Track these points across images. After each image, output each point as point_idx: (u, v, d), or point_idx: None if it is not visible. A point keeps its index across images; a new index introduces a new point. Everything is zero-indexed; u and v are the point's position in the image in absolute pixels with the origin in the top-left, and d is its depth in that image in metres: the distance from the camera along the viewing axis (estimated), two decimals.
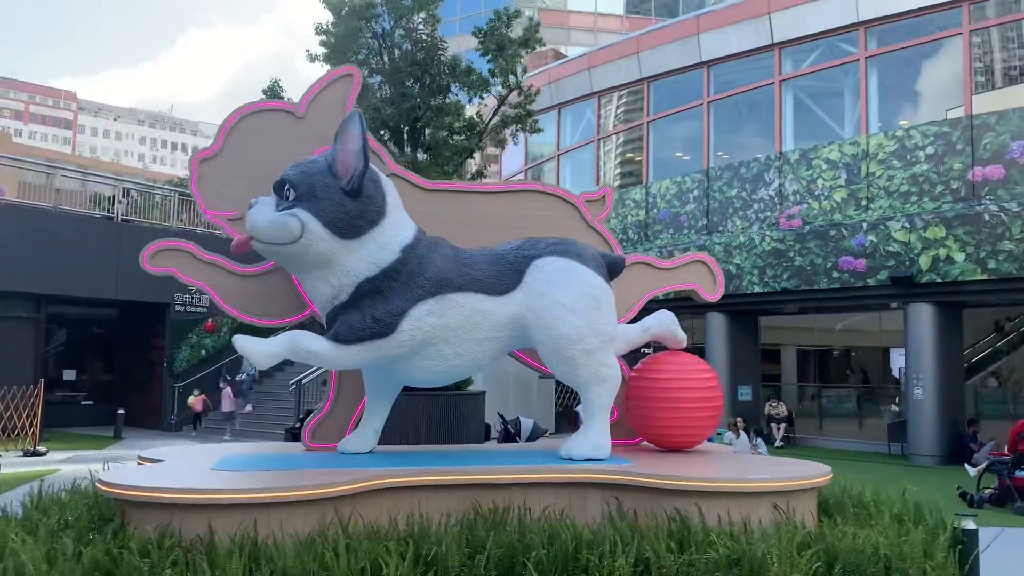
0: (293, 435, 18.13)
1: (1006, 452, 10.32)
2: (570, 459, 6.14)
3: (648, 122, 21.29)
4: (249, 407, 20.20)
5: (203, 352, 21.73)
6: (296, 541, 4.61)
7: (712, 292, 7.74)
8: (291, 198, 5.78)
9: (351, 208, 5.80)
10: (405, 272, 5.84)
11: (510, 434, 11.40)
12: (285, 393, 19.82)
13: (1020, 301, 16.16)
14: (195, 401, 20.35)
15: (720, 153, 19.91)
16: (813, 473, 5.75)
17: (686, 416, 6.74)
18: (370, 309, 5.76)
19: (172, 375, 21.16)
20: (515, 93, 10.49)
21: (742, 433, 14.26)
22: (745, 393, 19.31)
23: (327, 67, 11.77)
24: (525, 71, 11.46)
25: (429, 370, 6.08)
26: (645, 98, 21.37)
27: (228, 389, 19.70)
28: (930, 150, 15.69)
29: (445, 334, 5.92)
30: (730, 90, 19.52)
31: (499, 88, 10.40)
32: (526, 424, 11.35)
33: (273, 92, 11.41)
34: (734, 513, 5.35)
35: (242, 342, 5.62)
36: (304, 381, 18.94)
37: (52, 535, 4.68)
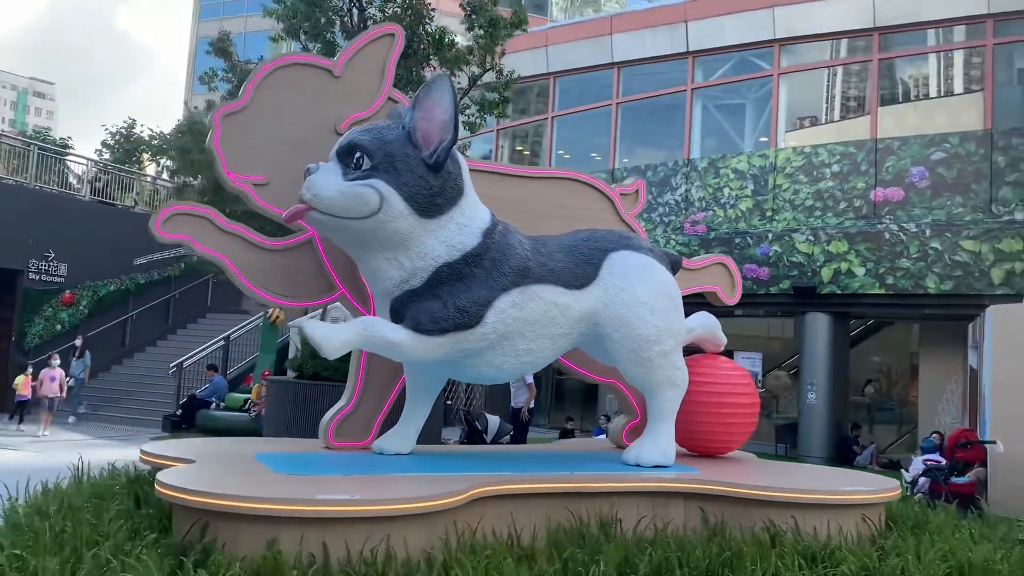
0: (173, 423, 16.65)
1: (943, 459, 10.96)
2: (637, 465, 5.84)
3: (553, 117, 21.21)
4: (83, 408, 17.91)
5: (59, 327, 19.53)
6: (425, 556, 4.04)
7: (731, 296, 7.65)
8: (364, 167, 5.10)
9: (433, 184, 5.20)
10: (487, 258, 5.30)
11: (476, 431, 10.90)
12: (164, 377, 18.13)
13: (912, 316, 17.38)
14: (23, 383, 16.23)
15: (625, 160, 20.11)
16: (889, 485, 5.74)
17: (731, 422, 6.60)
18: (452, 297, 5.18)
19: (22, 351, 18.87)
20: (489, 75, 10.00)
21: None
22: None
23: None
24: (504, 54, 10.97)
25: (498, 366, 5.57)
26: (551, 93, 21.27)
27: (53, 372, 16.05)
28: (836, 168, 16.56)
29: (523, 328, 5.43)
30: (640, 94, 19.78)
31: (474, 68, 9.87)
32: (492, 422, 10.91)
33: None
34: (825, 525, 5.24)
35: (312, 329, 4.89)
36: (186, 364, 17.44)
37: (119, 550, 3.84)
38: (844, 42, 17.15)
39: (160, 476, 4.39)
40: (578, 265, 5.69)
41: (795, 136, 17.78)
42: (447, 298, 5.17)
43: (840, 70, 17.39)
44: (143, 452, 5.67)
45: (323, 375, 9.16)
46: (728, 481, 5.44)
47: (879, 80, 16.62)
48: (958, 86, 16.36)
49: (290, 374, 10.21)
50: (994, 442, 10.37)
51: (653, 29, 19.25)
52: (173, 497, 4.19)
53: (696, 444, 6.81)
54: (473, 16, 9.55)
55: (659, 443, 5.92)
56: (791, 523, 5.18)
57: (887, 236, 15.63)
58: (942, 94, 16.59)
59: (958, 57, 16.25)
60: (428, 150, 5.21)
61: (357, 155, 5.13)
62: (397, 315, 5.25)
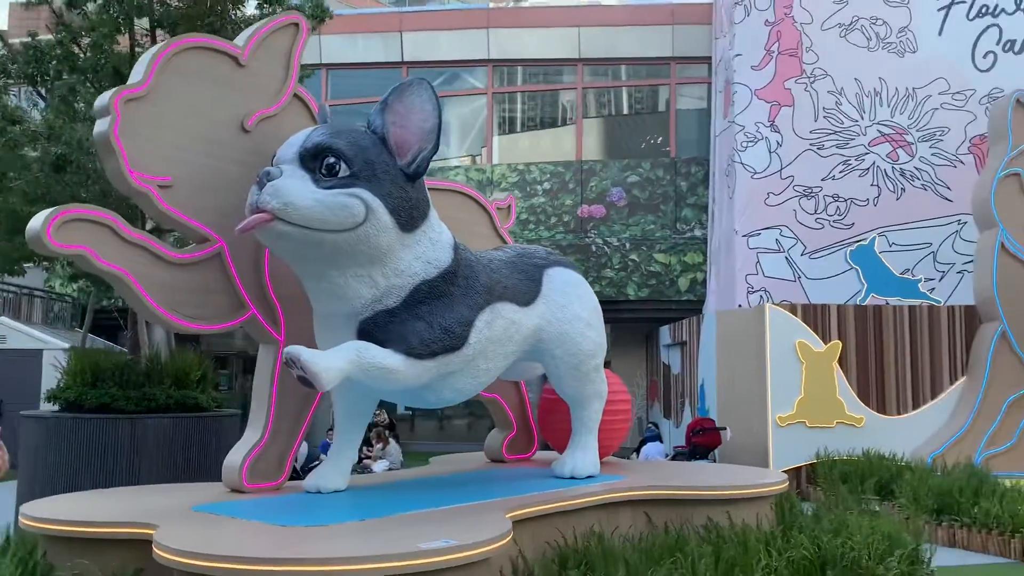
0: None
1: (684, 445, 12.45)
2: (573, 477, 5.94)
3: None
4: None
5: None
6: None
7: None
8: (342, 174, 4.60)
9: (411, 195, 4.86)
10: (461, 275, 5.07)
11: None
12: None
13: (616, 320, 19.28)
14: None
15: None
16: (782, 477, 6.52)
17: (616, 427, 6.98)
18: (436, 318, 4.85)
19: None
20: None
21: (392, 441, 14.46)
22: None
23: None
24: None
25: (459, 388, 5.31)
26: None
27: None
28: (547, 185, 17.93)
29: (488, 348, 5.26)
30: (352, 98, 19.49)
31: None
32: (302, 449, 9.88)
33: None
34: (752, 516, 5.85)
35: (306, 356, 4.27)
36: None
37: None
38: (553, 68, 18.64)
39: (167, 542, 3.54)
40: (522, 282, 5.65)
41: (507, 153, 18.87)
42: (431, 319, 4.85)
43: (548, 93, 18.85)
44: (26, 516, 4.45)
45: (114, 406, 7.76)
46: (671, 485, 5.81)
47: (582, 106, 18.36)
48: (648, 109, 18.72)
49: (48, 407, 8.47)
50: (725, 428, 12.07)
51: (366, 35, 19.09)
52: (220, 570, 3.41)
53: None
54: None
55: (589, 454, 6.10)
56: (726, 517, 5.70)
57: (593, 248, 17.32)
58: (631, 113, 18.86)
59: (648, 90, 18.57)
60: (405, 159, 4.85)
61: (330, 160, 4.61)
62: (368, 337, 4.78)
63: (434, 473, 6.52)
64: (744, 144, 14.95)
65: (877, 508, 7.60)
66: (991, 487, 8.18)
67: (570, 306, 5.83)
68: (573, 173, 17.90)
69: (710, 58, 17.26)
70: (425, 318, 4.83)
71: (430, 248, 4.95)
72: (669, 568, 4.34)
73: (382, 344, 4.71)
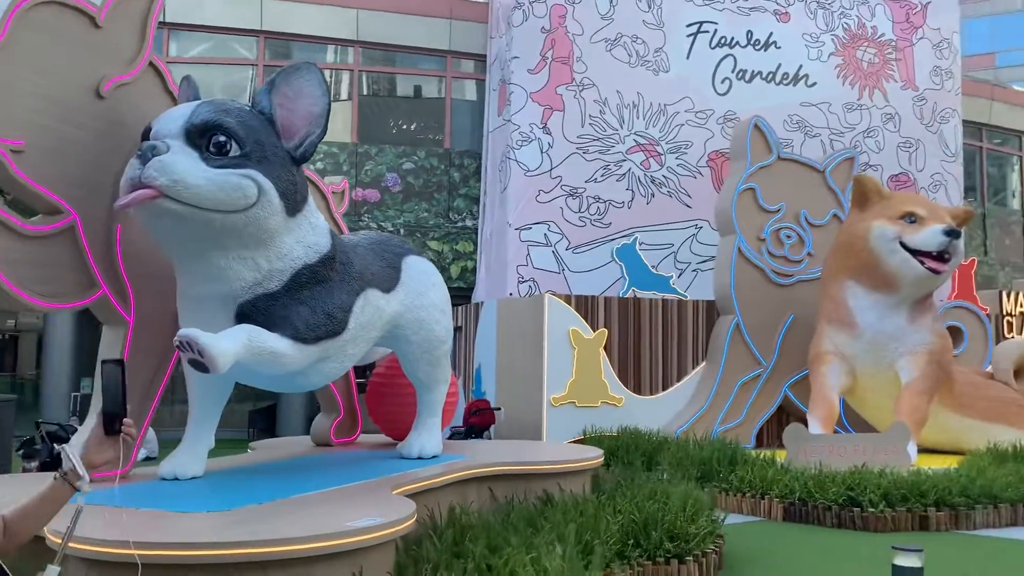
0: None
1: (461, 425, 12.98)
2: (420, 457, 6.21)
3: None
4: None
5: None
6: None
7: None
8: (233, 153, 4.56)
9: (296, 178, 4.90)
10: (339, 261, 5.17)
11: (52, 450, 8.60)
12: None
13: None
14: None
15: None
16: (599, 452, 7.23)
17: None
18: (318, 303, 4.93)
19: None
20: None
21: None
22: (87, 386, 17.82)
23: None
24: None
25: (327, 373, 5.40)
26: None
27: None
28: (320, 166, 17.66)
29: (359, 333, 5.39)
30: None
31: None
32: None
33: None
34: (578, 487, 6.52)
35: (204, 340, 4.19)
36: None
37: None
38: (330, 47, 18.34)
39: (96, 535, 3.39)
40: (384, 269, 5.83)
41: None
42: (314, 304, 4.92)
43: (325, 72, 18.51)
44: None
45: None
46: (513, 461, 6.29)
47: (358, 89, 18.28)
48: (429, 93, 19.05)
49: None
50: (499, 409, 12.84)
51: None
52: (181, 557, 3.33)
53: (399, 430, 7.33)
54: None
55: (435, 435, 6.41)
56: (557, 488, 6.30)
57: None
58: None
59: (425, 80, 18.89)
60: (293, 142, 4.88)
61: (219, 139, 4.55)
62: (247, 320, 4.75)
63: (280, 458, 6.49)
64: (519, 143, 15.84)
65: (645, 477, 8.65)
66: (743, 456, 9.62)
67: (427, 294, 6.10)
68: (348, 155, 17.82)
69: (485, 55, 17.98)
70: (308, 303, 4.88)
71: (310, 233, 4.99)
72: (546, 534, 4.80)
73: (263, 328, 4.70)
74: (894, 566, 4.46)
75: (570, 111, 16.11)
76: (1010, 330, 15.53)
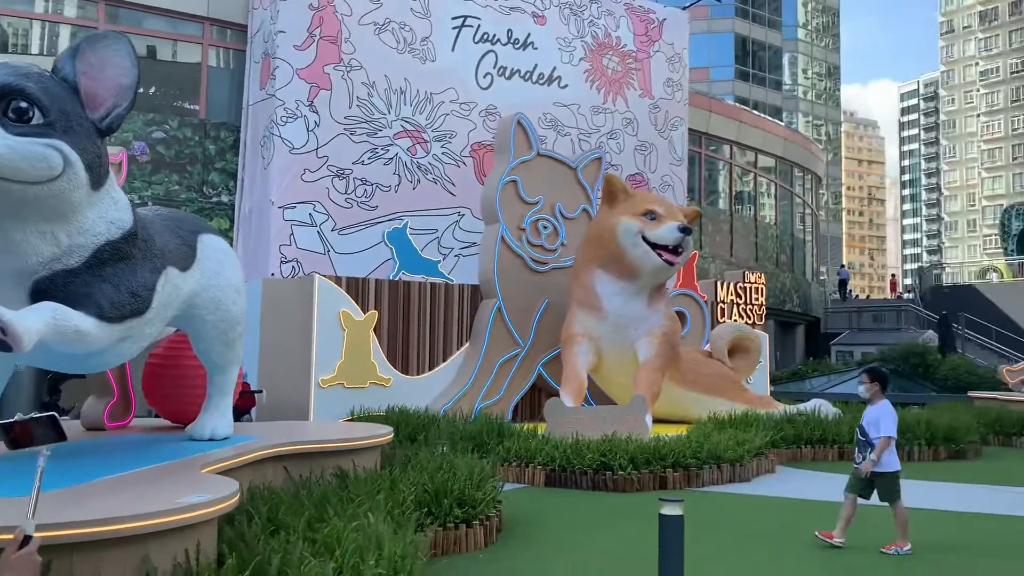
0: None
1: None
2: (212, 439, 6.13)
3: None
4: None
5: None
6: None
7: None
8: (36, 121, 4.35)
9: (101, 151, 4.74)
10: (141, 238, 5.02)
11: None
12: None
13: None
14: None
15: None
16: (385, 430, 7.48)
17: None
18: (121, 281, 4.77)
19: None
20: None
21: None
22: None
23: None
24: None
25: (123, 353, 5.21)
26: None
27: None
28: None
29: (158, 312, 5.25)
30: None
31: None
32: None
33: None
34: (370, 462, 6.78)
35: (8, 317, 3.97)
36: None
37: None
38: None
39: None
40: (181, 247, 5.71)
41: None
42: (117, 281, 4.78)
43: (62, 27, 16.84)
44: None
45: None
46: (307, 440, 6.41)
47: None
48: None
49: None
50: (261, 391, 12.65)
51: None
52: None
53: (178, 412, 7.15)
54: None
55: (227, 416, 6.36)
56: (351, 464, 6.54)
57: None
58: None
59: (179, 46, 17.77)
60: (98, 112, 4.71)
61: (20, 104, 4.32)
62: (43, 297, 4.53)
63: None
64: (284, 119, 15.53)
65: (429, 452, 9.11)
66: (509, 429, 10.36)
67: (223, 273, 6.03)
68: None
69: (246, 26, 17.34)
70: (111, 280, 4.72)
71: (112, 208, 4.82)
72: (356, 506, 5.04)
73: (77, 305, 4.50)
74: (661, 515, 5.24)
75: (338, 91, 16.06)
76: (723, 315, 17.86)
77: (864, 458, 6.68)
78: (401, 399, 12.53)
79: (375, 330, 12.87)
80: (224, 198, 17.28)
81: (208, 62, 17.64)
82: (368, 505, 5.04)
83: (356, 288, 12.92)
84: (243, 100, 17.09)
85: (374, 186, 16.27)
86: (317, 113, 15.82)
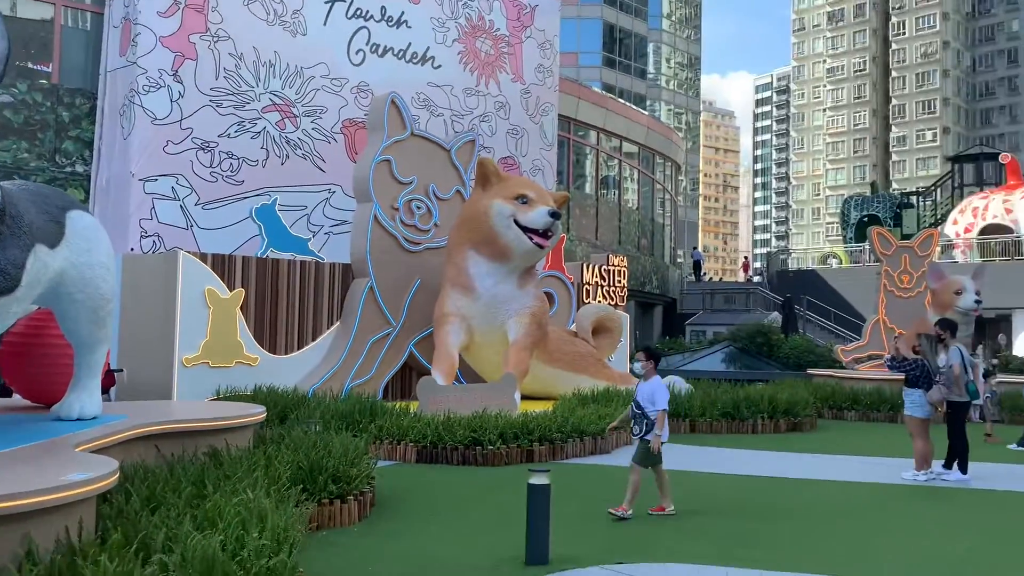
0: None
1: None
2: (80, 419, 6.01)
3: None
4: None
5: None
6: None
7: None
8: None
9: None
10: (10, 214, 4.88)
11: None
12: None
13: None
14: None
15: None
16: (261, 408, 7.50)
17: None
18: None
19: None
20: None
21: None
22: None
23: None
24: None
25: None
26: None
27: None
28: None
29: (27, 291, 5.12)
30: None
31: None
32: None
33: None
34: (244, 441, 6.82)
35: None
36: None
37: None
38: None
39: None
40: (48, 223, 5.56)
41: None
42: None
43: None
44: None
45: None
46: (180, 419, 6.38)
47: None
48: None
49: None
50: (121, 370, 12.25)
51: None
52: None
53: (40, 392, 6.93)
54: None
55: (95, 396, 6.24)
56: (224, 443, 6.57)
57: None
58: None
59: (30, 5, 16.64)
60: None
61: None
62: None
63: None
64: (146, 88, 14.91)
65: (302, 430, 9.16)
66: (381, 408, 10.51)
67: (93, 251, 5.90)
68: None
69: None
70: None
71: None
72: (235, 482, 5.12)
73: None
74: (529, 484, 5.59)
75: (204, 61, 15.54)
76: (588, 296, 18.56)
77: (641, 429, 7.01)
78: (269, 378, 12.42)
79: (242, 308, 12.67)
80: (79, 168, 16.40)
81: (61, 21, 16.62)
82: (247, 482, 5.13)
83: (222, 265, 12.65)
84: (101, 66, 16.24)
85: (241, 160, 15.88)
86: (182, 83, 15.26)
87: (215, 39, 15.70)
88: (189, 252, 12.51)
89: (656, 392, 7.03)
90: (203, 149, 15.47)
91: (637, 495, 7.04)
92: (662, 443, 7.06)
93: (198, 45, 15.49)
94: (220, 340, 12.33)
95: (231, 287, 12.57)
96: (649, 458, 7.03)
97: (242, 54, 16.04)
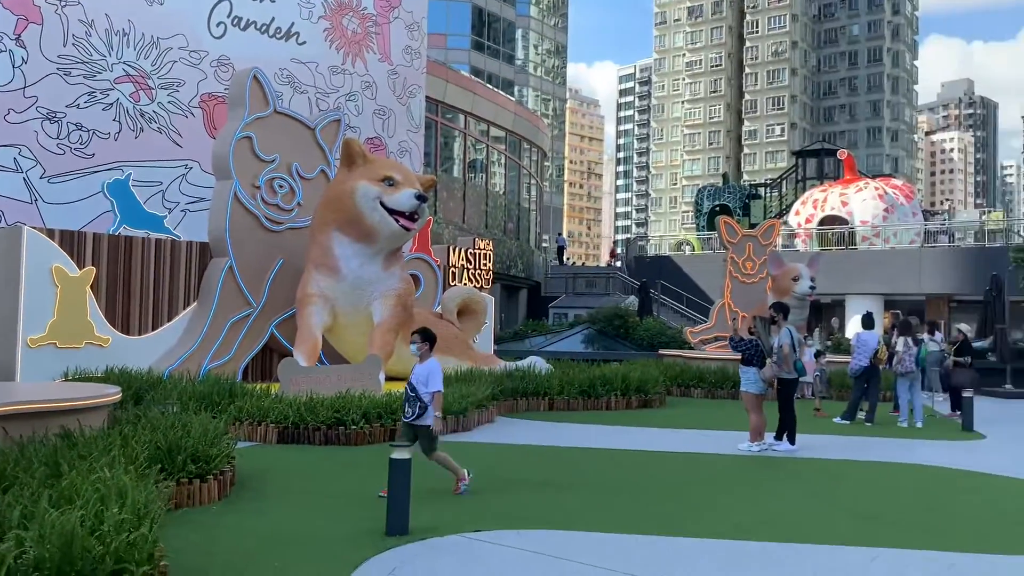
0: None
1: None
2: None
3: None
4: None
5: None
6: None
7: None
8: None
9: None
10: None
11: None
12: None
13: None
14: None
15: None
16: (117, 389, 7.32)
17: None
18: None
19: None
20: None
21: None
22: None
23: None
24: None
25: None
26: None
27: None
28: None
29: None
30: None
31: None
32: None
33: None
34: (98, 422, 6.68)
35: None
36: None
37: None
38: None
39: None
40: None
41: None
42: None
43: None
44: None
45: None
46: (25, 400, 6.19)
47: None
48: None
49: None
50: None
51: None
52: None
53: None
54: None
55: None
56: (77, 424, 6.44)
57: None
58: None
59: None
60: None
61: None
62: None
63: None
64: None
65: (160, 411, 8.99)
66: (240, 389, 10.40)
67: None
68: None
69: None
70: None
71: None
72: (92, 461, 5.06)
73: None
74: (391, 459, 5.80)
75: (50, 26, 14.70)
76: (454, 278, 18.85)
77: (413, 412, 6.88)
78: (121, 360, 12.01)
79: (93, 287, 12.16)
80: None
81: None
82: (103, 461, 5.10)
83: (71, 242, 12.10)
84: None
85: (91, 132, 15.15)
86: (25, 48, 14.38)
87: (63, 3, 14.88)
88: (34, 227, 11.88)
89: (431, 374, 6.93)
90: (49, 119, 14.66)
91: (454, 464, 7.17)
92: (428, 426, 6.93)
93: (44, 9, 14.64)
94: (69, 320, 11.81)
95: (81, 265, 12.05)
96: (428, 443, 6.96)
97: (92, 21, 15.27)
